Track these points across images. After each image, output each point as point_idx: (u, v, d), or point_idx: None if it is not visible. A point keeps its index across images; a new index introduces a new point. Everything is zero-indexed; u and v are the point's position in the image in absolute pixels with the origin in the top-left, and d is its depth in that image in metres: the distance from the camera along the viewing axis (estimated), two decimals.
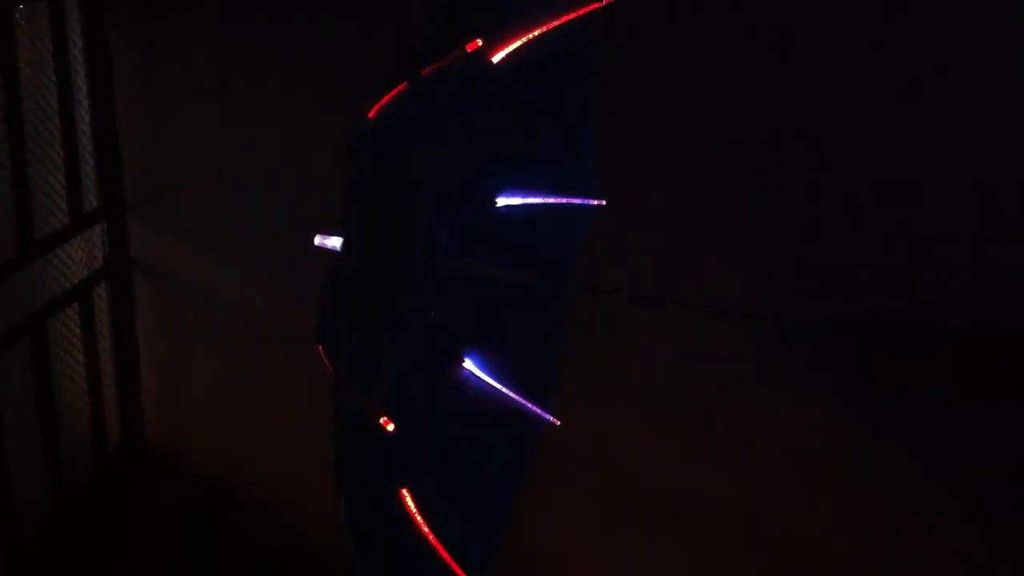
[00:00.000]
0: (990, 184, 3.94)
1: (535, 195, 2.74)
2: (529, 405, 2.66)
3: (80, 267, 4.81)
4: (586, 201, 2.82)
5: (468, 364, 2.64)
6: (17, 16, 4.23)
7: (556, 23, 2.59)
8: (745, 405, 4.42)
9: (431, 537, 2.52)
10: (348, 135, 2.77)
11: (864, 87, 3.98)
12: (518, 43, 2.52)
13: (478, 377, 2.63)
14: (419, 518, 2.51)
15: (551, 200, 2.79)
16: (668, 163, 4.26)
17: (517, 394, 2.65)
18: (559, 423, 2.70)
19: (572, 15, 2.62)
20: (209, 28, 4.67)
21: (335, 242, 2.80)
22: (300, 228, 3.06)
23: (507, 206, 2.69)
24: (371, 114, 2.76)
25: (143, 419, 5.25)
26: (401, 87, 2.79)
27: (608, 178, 2.88)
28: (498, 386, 2.63)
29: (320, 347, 2.71)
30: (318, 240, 2.82)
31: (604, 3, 2.65)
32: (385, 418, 2.45)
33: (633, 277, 4.30)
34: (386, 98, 2.78)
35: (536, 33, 2.54)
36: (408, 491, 2.51)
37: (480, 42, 2.51)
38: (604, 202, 2.81)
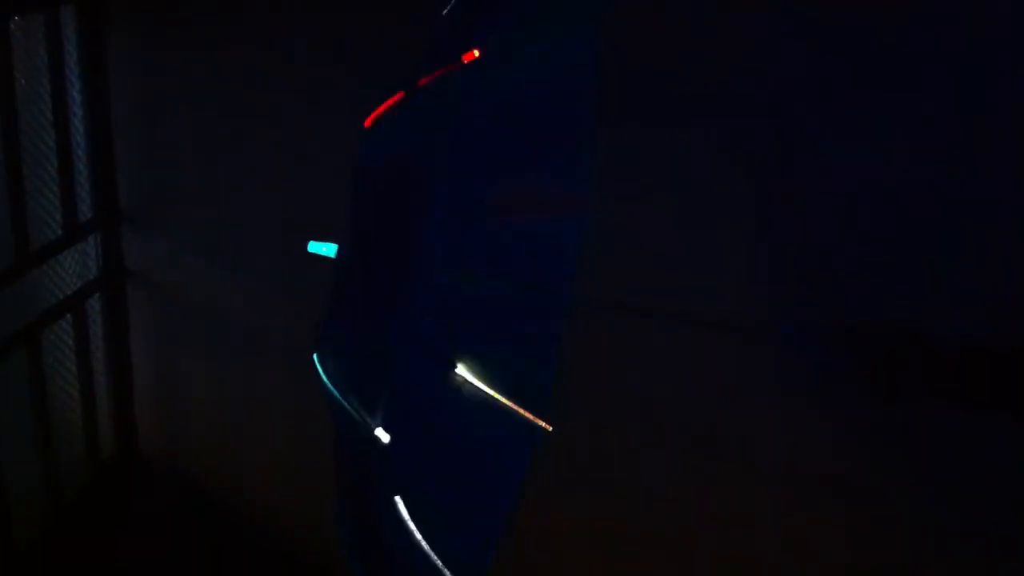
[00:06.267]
0: (990, 195, 3.96)
1: (532, 205, 2.76)
2: (523, 413, 2.67)
3: (74, 278, 4.80)
4: (582, 210, 2.83)
5: (464, 372, 2.64)
6: (12, 27, 4.23)
7: (555, 31, 2.61)
8: (743, 417, 4.42)
9: (425, 545, 2.53)
10: (349, 143, 2.77)
11: (865, 98, 4.00)
12: (517, 52, 2.54)
13: (474, 385, 2.64)
14: (412, 525, 2.51)
15: (548, 210, 2.80)
16: (667, 173, 4.27)
17: (512, 402, 2.66)
18: (551, 428, 2.70)
19: (571, 23, 2.64)
20: (206, 38, 4.68)
21: (329, 249, 2.80)
22: (296, 237, 3.06)
23: (505, 215, 2.70)
24: (367, 123, 2.76)
25: (137, 429, 5.24)
26: (398, 97, 2.80)
27: (607, 188, 2.89)
28: (493, 394, 2.64)
29: (315, 356, 2.71)
30: (311, 247, 2.82)
31: (602, 15, 2.67)
32: (379, 430, 2.45)
33: (631, 288, 4.30)
34: (381, 108, 2.79)
35: (535, 41, 2.56)
36: (402, 498, 2.51)
37: (477, 53, 2.52)
38: (600, 211, 2.82)
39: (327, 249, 2.79)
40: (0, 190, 4.20)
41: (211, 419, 5.19)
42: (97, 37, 4.70)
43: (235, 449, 5.20)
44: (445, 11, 2.77)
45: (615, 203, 2.96)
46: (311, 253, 2.83)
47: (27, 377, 4.45)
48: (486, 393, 2.65)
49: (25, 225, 4.30)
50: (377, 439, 2.50)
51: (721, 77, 4.12)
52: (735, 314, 4.17)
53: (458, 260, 2.64)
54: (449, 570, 2.53)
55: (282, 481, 5.14)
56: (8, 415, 4.37)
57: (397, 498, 2.50)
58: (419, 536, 2.51)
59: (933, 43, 3.90)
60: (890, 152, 4.03)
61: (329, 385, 2.65)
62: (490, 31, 2.56)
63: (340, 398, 2.63)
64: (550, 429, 2.70)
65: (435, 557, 2.52)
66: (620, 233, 4.17)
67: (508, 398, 2.66)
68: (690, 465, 4.55)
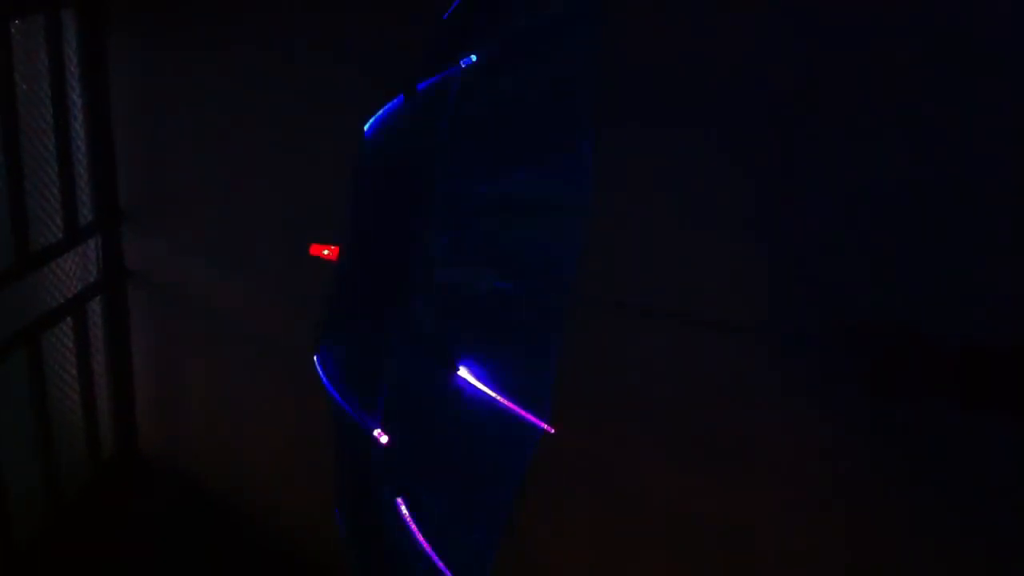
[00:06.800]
0: (989, 198, 3.96)
1: (532, 202, 2.76)
2: (524, 413, 2.67)
3: (75, 280, 4.80)
4: (583, 208, 2.83)
5: (464, 372, 2.64)
6: (13, 30, 4.23)
7: (552, 31, 2.62)
8: (743, 417, 4.42)
9: (426, 545, 2.52)
10: (349, 143, 2.77)
11: (865, 98, 4.00)
12: (515, 52, 2.54)
13: (474, 385, 2.64)
14: (414, 526, 2.51)
15: (548, 207, 2.81)
16: (667, 173, 4.27)
17: (513, 402, 2.66)
18: (553, 431, 2.70)
19: (568, 22, 2.65)
20: (206, 38, 4.68)
21: (330, 251, 2.81)
22: (296, 237, 3.06)
23: (504, 214, 2.71)
24: (367, 128, 2.77)
25: (137, 429, 5.24)
26: (398, 100, 2.80)
27: (607, 188, 2.89)
28: (493, 394, 2.64)
29: (316, 357, 2.71)
30: (313, 250, 2.83)
31: (598, 15, 2.67)
32: (379, 431, 2.45)
33: (631, 288, 4.31)
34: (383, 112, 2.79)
35: (533, 42, 2.57)
36: (403, 499, 2.51)
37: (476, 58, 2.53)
38: (600, 209, 2.82)
39: (327, 251, 2.79)
40: (1, 191, 4.20)
41: (211, 419, 5.19)
42: (97, 38, 4.70)
43: (235, 449, 5.20)
44: (446, 15, 2.78)
45: (615, 203, 2.96)
46: (311, 253, 2.83)
47: (27, 378, 4.45)
48: (486, 393, 2.65)
49: (26, 227, 4.30)
50: (377, 439, 2.50)
51: (721, 77, 4.12)
52: (735, 314, 4.17)
53: (458, 260, 2.65)
54: (450, 570, 2.53)
55: (282, 481, 5.14)
56: (9, 415, 4.37)
57: (398, 499, 2.50)
58: (420, 536, 2.51)
59: (933, 43, 3.90)
60: (890, 152, 4.03)
61: (330, 385, 2.65)
62: (490, 34, 2.57)
63: (341, 398, 2.63)
64: (552, 431, 2.69)
65: (436, 557, 2.52)
66: (620, 233, 4.17)
67: (508, 398, 2.67)
68: (690, 465, 4.55)
